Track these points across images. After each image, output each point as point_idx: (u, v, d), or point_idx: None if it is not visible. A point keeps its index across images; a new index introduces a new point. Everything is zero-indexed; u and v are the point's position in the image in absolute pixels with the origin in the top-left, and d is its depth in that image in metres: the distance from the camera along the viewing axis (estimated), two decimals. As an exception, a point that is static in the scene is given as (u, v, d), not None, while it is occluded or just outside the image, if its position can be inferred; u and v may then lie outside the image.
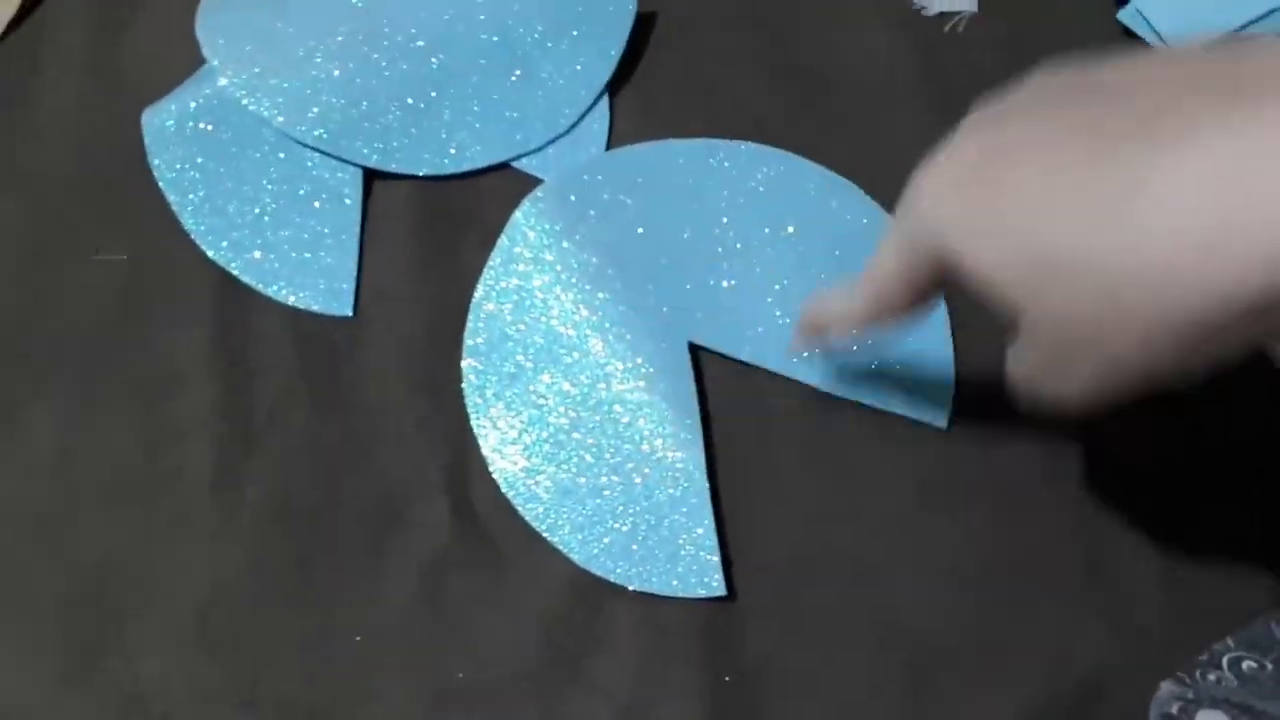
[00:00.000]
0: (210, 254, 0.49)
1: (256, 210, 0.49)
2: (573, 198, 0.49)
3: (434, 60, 0.51)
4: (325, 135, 0.50)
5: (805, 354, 0.47)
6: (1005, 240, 0.29)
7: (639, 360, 0.46)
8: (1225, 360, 0.28)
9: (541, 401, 0.46)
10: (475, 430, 0.46)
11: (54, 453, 0.46)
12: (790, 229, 0.49)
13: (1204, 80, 0.27)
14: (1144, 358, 0.28)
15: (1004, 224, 0.29)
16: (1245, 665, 0.41)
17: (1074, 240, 0.27)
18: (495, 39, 0.52)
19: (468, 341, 0.47)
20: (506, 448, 0.46)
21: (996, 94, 0.32)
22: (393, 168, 0.50)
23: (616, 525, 0.45)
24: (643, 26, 0.54)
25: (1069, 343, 0.29)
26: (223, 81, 0.50)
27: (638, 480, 0.45)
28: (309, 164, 0.50)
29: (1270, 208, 0.24)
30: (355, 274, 0.49)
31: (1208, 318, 0.26)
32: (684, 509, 0.45)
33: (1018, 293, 0.29)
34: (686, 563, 0.44)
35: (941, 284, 0.34)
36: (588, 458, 0.46)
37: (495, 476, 0.46)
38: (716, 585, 0.44)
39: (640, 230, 0.49)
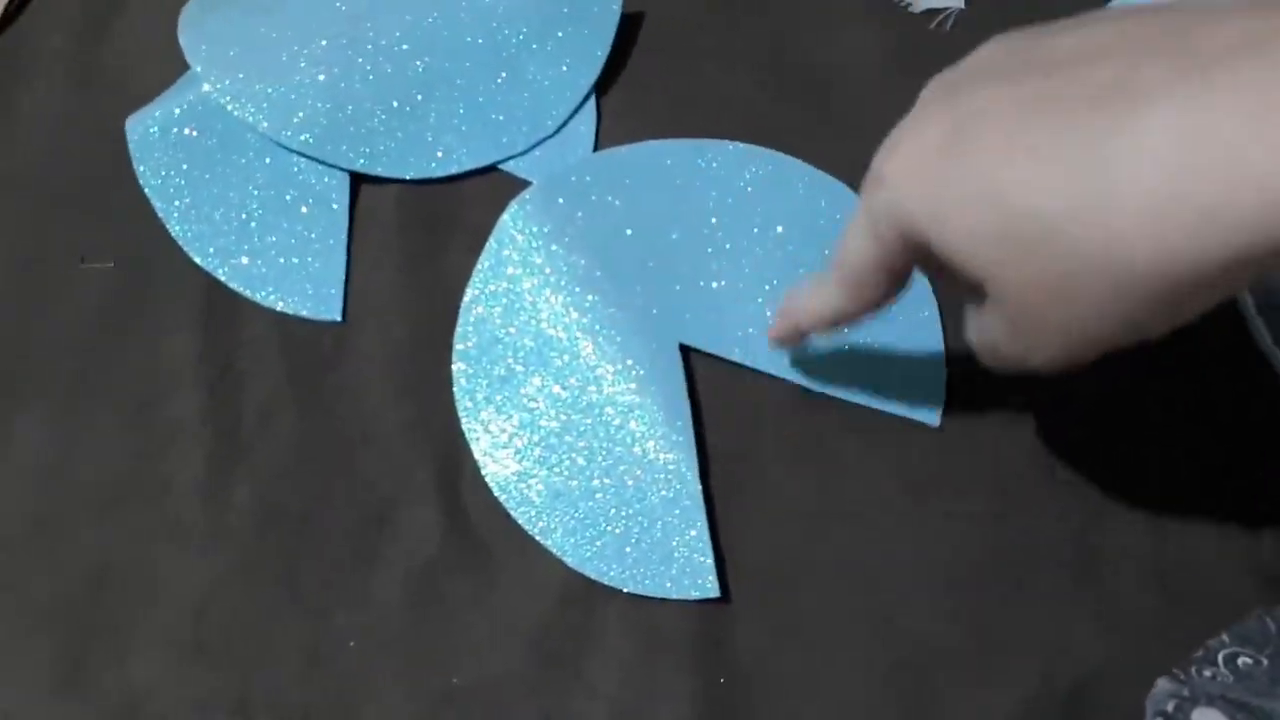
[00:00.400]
0: (197, 260, 0.49)
1: (243, 216, 0.49)
2: (560, 200, 0.49)
3: (419, 63, 0.51)
4: (311, 140, 0.49)
5: (792, 351, 0.47)
6: (972, 211, 0.29)
7: (629, 362, 0.46)
8: (1186, 319, 0.29)
9: (532, 405, 0.46)
10: (466, 434, 0.46)
11: (44, 460, 0.46)
12: (779, 229, 0.49)
13: (1157, 48, 0.27)
14: (1108, 321, 0.29)
15: (970, 196, 0.29)
16: (1241, 661, 0.41)
17: (1040, 208, 0.28)
18: (480, 41, 0.52)
19: (457, 345, 0.47)
20: (498, 451, 0.46)
21: (949, 64, 0.32)
22: (379, 171, 0.50)
23: (609, 528, 0.44)
24: (629, 27, 0.53)
25: (1037, 309, 0.30)
26: (207, 87, 0.50)
27: (630, 483, 0.45)
28: (295, 169, 0.50)
29: (1224, 173, 0.25)
30: (343, 278, 0.49)
31: (1167, 281, 0.27)
32: (676, 511, 0.44)
33: (986, 262, 0.30)
34: (679, 564, 0.44)
35: (912, 263, 0.35)
36: (579, 460, 0.45)
37: (487, 480, 0.46)
38: (710, 587, 0.44)
39: (629, 231, 0.48)
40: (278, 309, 0.48)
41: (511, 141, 0.51)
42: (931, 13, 0.54)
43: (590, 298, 0.47)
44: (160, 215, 0.49)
